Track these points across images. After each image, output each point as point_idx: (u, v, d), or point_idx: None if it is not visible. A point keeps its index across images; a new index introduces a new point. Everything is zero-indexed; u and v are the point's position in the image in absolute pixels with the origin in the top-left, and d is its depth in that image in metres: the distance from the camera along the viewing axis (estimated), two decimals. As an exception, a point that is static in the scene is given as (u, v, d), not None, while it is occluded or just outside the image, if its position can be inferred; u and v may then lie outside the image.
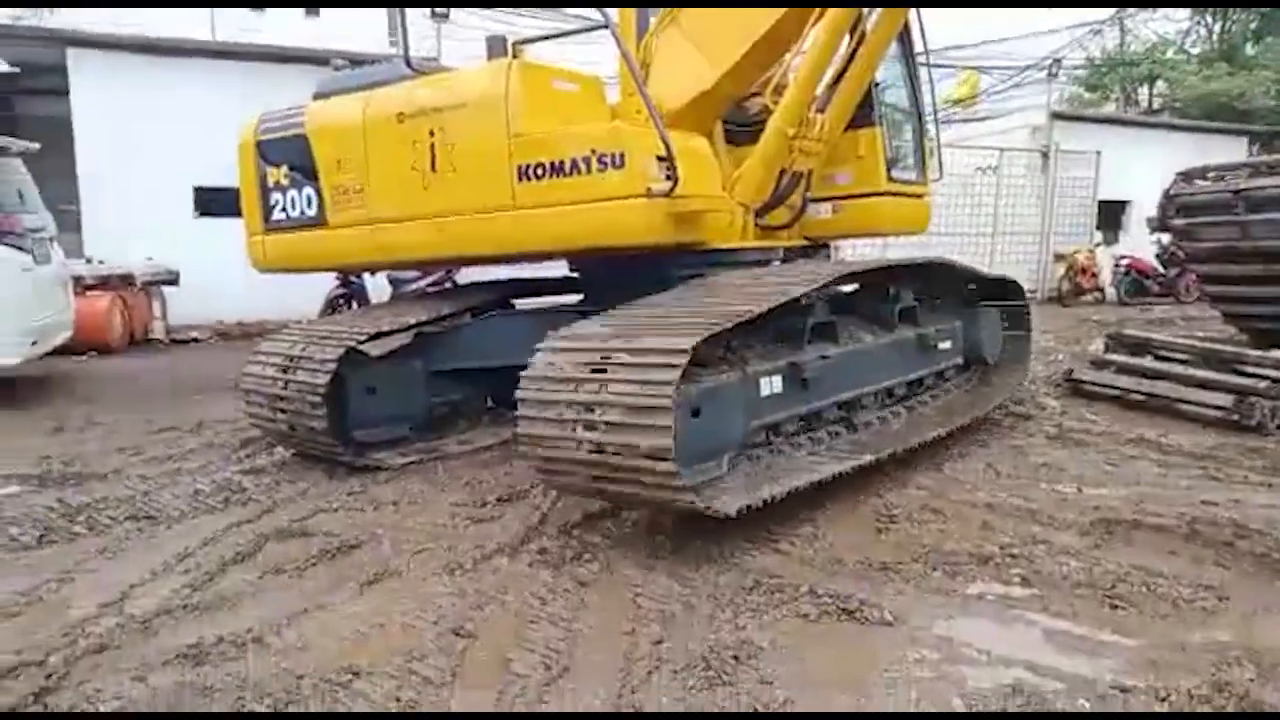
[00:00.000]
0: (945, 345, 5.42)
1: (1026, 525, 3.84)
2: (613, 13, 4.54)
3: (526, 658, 2.71)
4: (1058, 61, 16.37)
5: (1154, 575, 3.25)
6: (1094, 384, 6.61)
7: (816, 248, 6.14)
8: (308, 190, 5.36)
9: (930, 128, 6.40)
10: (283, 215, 5.51)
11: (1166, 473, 4.70)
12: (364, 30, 18.34)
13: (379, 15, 19.33)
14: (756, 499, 3.45)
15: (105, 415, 6.50)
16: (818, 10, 4.76)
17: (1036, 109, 17.44)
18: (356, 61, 6.03)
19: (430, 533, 3.86)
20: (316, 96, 5.53)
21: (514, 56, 4.58)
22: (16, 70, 11.94)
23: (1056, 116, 17.15)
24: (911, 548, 3.54)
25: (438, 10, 7.80)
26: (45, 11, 16.38)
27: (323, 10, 20.25)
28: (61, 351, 8.37)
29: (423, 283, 10.30)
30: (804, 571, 3.32)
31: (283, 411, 4.78)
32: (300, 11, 20.18)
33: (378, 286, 10.62)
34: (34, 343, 6.95)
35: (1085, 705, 2.42)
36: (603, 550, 3.58)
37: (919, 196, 6.19)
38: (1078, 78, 26.53)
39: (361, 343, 4.83)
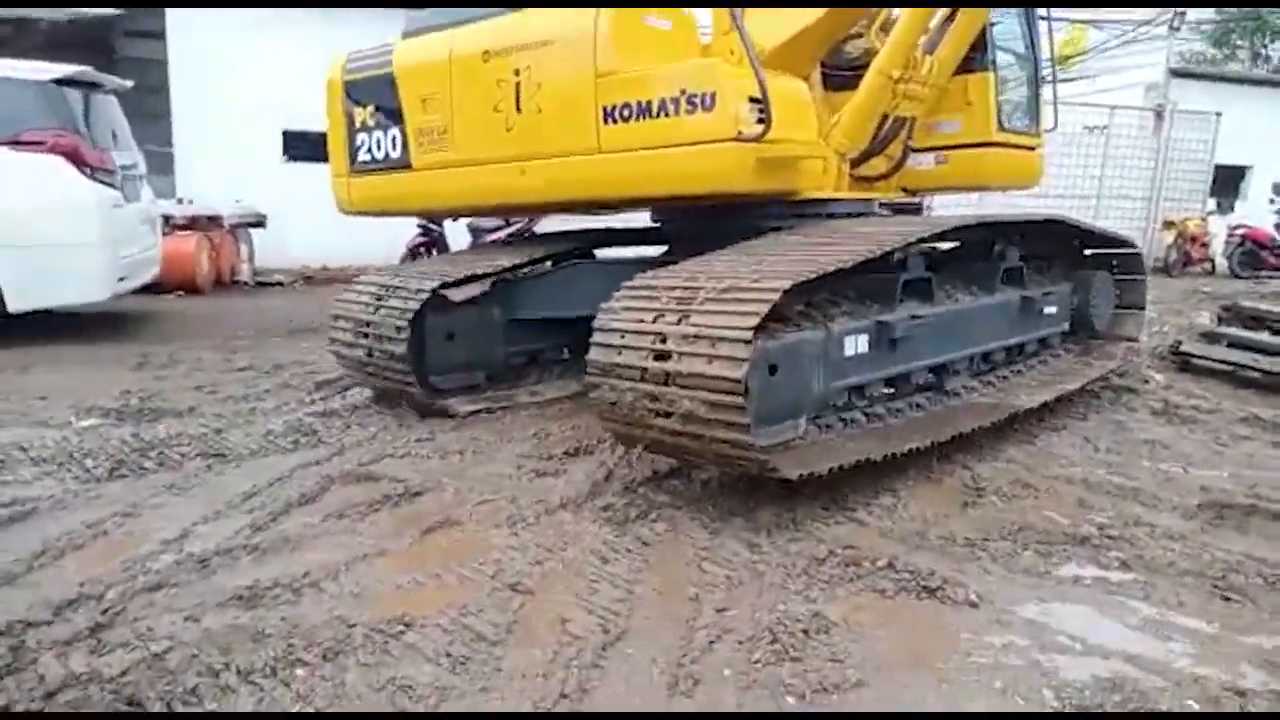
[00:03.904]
0: (1051, 310, 5.08)
1: (1127, 505, 3.55)
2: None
3: (584, 618, 2.59)
4: (1181, 14, 15.22)
5: (1273, 567, 2.96)
6: (1203, 358, 6.15)
7: (911, 203, 5.81)
8: (393, 131, 5.26)
9: (1046, 74, 5.95)
10: (368, 157, 5.44)
11: (1284, 455, 4.33)
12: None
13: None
14: (822, 467, 3.25)
15: (187, 353, 6.61)
16: None
17: (1153, 65, 16.35)
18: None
19: (494, 484, 3.77)
20: (405, 35, 5.38)
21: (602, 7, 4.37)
22: (119, 12, 12.17)
23: (1175, 74, 16.08)
24: (1000, 524, 3.29)
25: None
26: None
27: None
28: (150, 290, 8.59)
29: (503, 232, 10.25)
30: (882, 544, 3.11)
31: (365, 337, 4.83)
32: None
33: (458, 234, 10.62)
34: (122, 279, 7.09)
35: (1193, 706, 2.19)
36: (669, 510, 3.43)
37: (1031, 149, 5.76)
38: (1201, 32, 24.77)
39: (446, 285, 4.79)
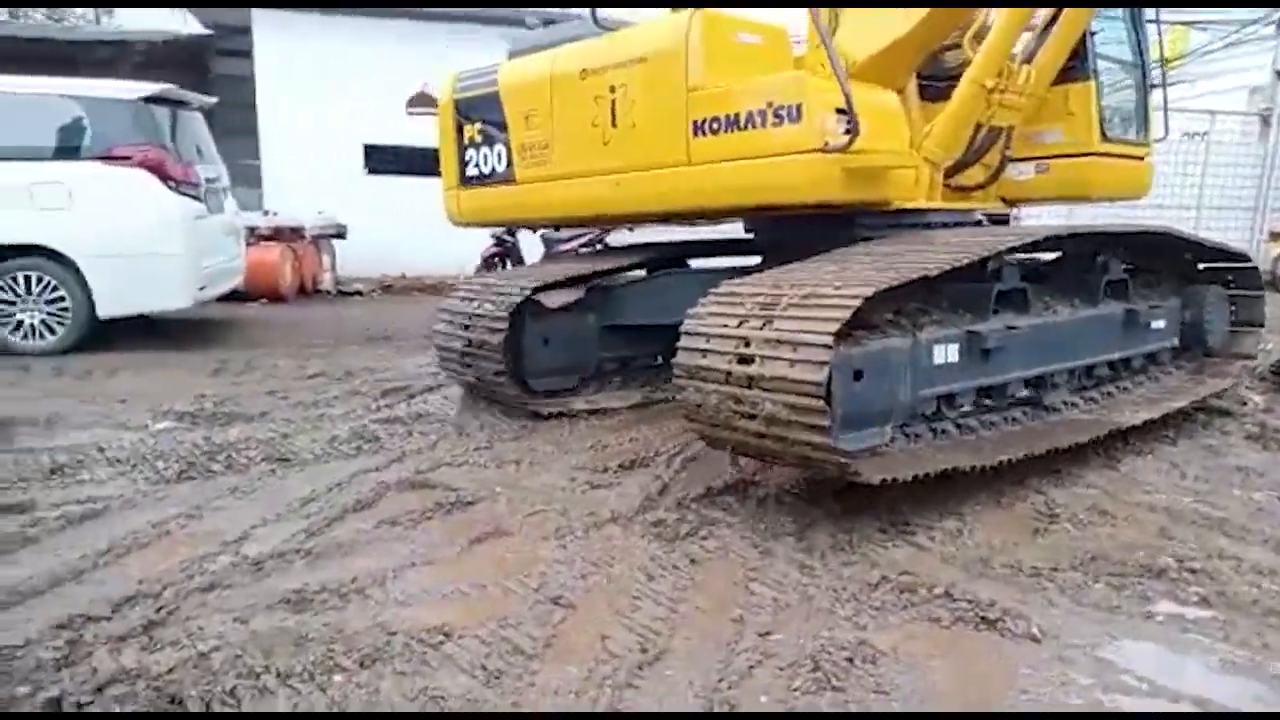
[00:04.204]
0: (1158, 325, 4.87)
1: (1212, 536, 3.32)
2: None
3: (624, 636, 2.53)
4: (1291, 12, 14.38)
5: (1374, 610, 2.73)
6: (1308, 379, 5.76)
7: (1000, 214, 5.63)
8: (499, 147, 5.48)
9: (1155, 79, 5.71)
10: (476, 171, 5.66)
11: (1392, 487, 4.01)
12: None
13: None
14: (905, 474, 3.20)
15: (264, 359, 6.82)
16: None
17: (1258, 69, 15.49)
18: (550, 21, 6.01)
19: (547, 495, 3.76)
20: (511, 55, 5.59)
21: (697, 7, 4.40)
22: (211, 33, 12.72)
23: (1282, 76, 15.20)
24: (1072, 553, 3.11)
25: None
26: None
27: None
28: (236, 298, 8.89)
29: (575, 243, 10.30)
30: (942, 570, 2.98)
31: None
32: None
33: (532, 244, 10.73)
34: (202, 288, 7.36)
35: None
36: (722, 527, 3.35)
37: (1139, 158, 5.55)
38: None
39: (542, 288, 4.98)
